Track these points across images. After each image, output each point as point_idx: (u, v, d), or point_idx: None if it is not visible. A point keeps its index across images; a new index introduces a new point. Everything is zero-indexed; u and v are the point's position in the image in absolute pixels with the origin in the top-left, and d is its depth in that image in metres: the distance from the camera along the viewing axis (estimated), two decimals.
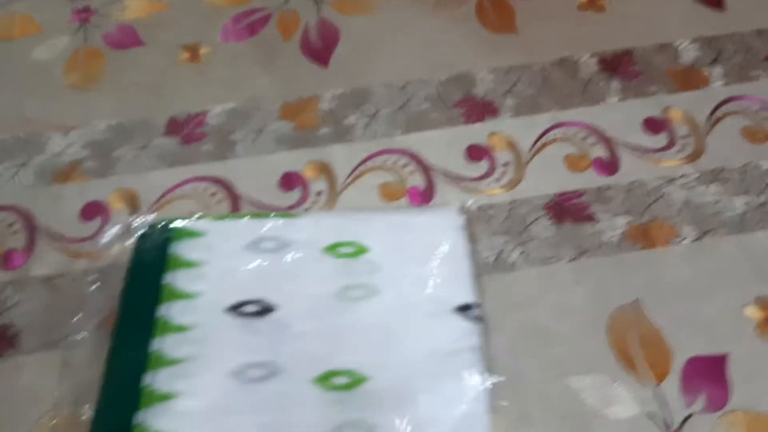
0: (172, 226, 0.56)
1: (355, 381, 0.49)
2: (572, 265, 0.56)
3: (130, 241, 0.57)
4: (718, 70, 0.67)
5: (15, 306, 0.55)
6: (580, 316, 0.54)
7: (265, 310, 0.52)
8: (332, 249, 0.55)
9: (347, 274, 0.54)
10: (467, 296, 0.52)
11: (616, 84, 0.67)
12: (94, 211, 0.60)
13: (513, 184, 0.61)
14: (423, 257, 0.54)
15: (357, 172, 0.62)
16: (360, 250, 0.55)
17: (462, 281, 0.53)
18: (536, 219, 0.59)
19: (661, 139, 0.63)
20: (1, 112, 0.66)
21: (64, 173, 0.62)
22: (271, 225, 0.56)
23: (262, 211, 0.59)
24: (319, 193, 0.61)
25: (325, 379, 0.49)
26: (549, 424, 0.49)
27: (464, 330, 0.51)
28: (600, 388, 0.50)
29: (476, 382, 0.49)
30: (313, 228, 0.56)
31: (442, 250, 0.54)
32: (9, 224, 0.59)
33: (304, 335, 0.51)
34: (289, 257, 0.55)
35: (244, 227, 0.56)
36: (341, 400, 0.48)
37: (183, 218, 0.57)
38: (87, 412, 0.49)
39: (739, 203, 0.58)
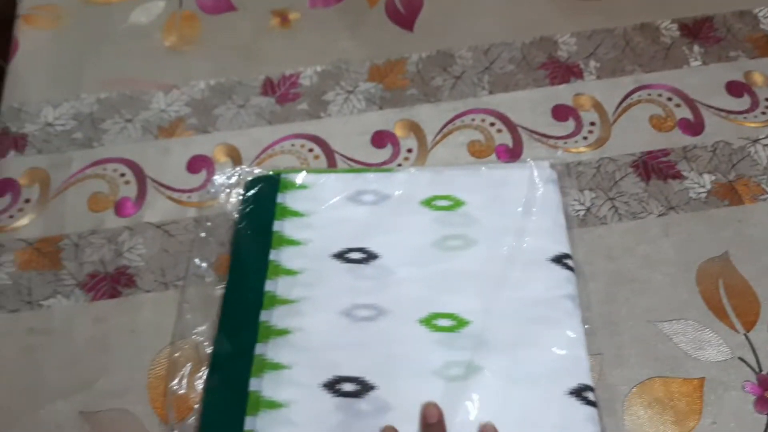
0: (277, 177, 0.59)
1: (458, 323, 0.52)
2: (661, 219, 0.58)
3: (237, 192, 0.60)
4: None
5: (132, 249, 0.58)
6: (670, 267, 0.56)
7: (369, 257, 0.55)
8: (429, 202, 0.58)
9: (445, 225, 0.56)
10: (562, 246, 0.55)
11: (697, 49, 0.68)
12: (199, 164, 0.63)
13: (600, 142, 0.63)
14: (517, 210, 0.57)
15: (445, 130, 0.65)
16: (456, 204, 0.57)
17: (556, 232, 0.55)
18: (624, 176, 0.61)
19: (744, 102, 0.64)
20: (106, 72, 0.69)
21: (169, 129, 0.65)
22: (370, 179, 0.59)
23: (359, 167, 0.62)
24: (409, 150, 0.63)
25: (429, 321, 0.52)
26: (644, 365, 0.51)
27: (560, 278, 0.53)
28: (692, 333, 0.52)
29: (574, 327, 0.51)
30: (411, 182, 0.59)
31: (536, 202, 0.57)
32: (121, 174, 0.63)
33: (407, 281, 0.54)
34: (388, 209, 0.57)
35: (345, 181, 0.59)
36: (446, 341, 0.51)
37: (287, 171, 0.60)
38: (207, 346, 0.53)
39: None
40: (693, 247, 0.56)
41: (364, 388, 0.49)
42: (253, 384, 0.49)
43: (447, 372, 0.49)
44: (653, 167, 0.61)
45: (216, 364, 0.51)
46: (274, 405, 0.48)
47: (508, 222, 0.56)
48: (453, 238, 0.55)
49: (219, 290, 0.55)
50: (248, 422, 0.48)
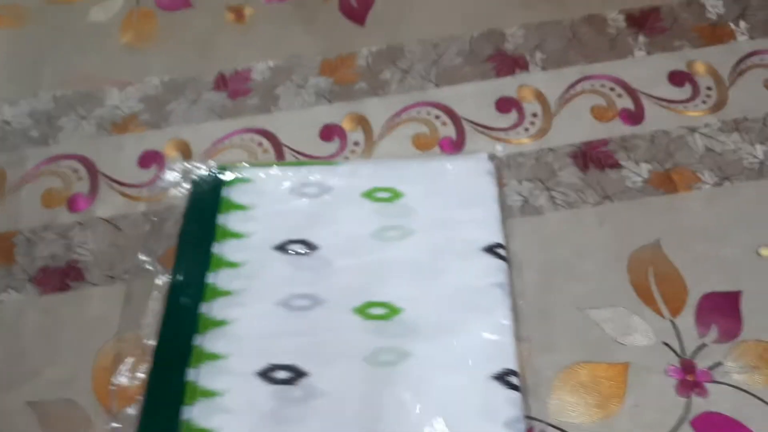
0: (223, 172, 0.60)
1: (391, 312, 0.53)
2: (597, 208, 0.59)
3: (185, 186, 0.62)
4: (743, 25, 0.68)
5: (82, 243, 0.60)
6: (603, 255, 0.57)
7: (309, 248, 0.57)
8: (369, 194, 0.59)
9: (383, 216, 0.58)
10: (495, 237, 0.56)
11: (642, 39, 0.69)
12: (150, 159, 0.65)
13: (541, 133, 0.64)
14: (454, 201, 0.58)
15: (392, 123, 0.66)
16: (395, 195, 0.59)
17: (490, 223, 0.57)
18: (563, 166, 0.62)
19: (685, 91, 0.66)
20: (63, 69, 0.71)
21: (122, 125, 0.67)
22: (313, 171, 0.61)
23: (305, 160, 0.63)
24: (356, 144, 0.65)
25: (363, 309, 0.53)
26: (571, 351, 0.53)
27: (491, 267, 0.55)
28: (620, 320, 0.54)
29: (503, 314, 0.52)
30: (352, 174, 0.61)
31: (472, 194, 0.58)
32: (74, 170, 0.64)
33: (344, 270, 0.56)
34: (329, 201, 0.59)
35: (289, 174, 0.61)
36: (378, 328, 0.52)
37: (233, 165, 0.62)
38: (150, 338, 0.54)
39: (760, 151, 0.61)
40: (626, 235, 0.58)
41: (296, 375, 0.51)
42: (191, 374, 0.51)
43: (377, 358, 0.51)
44: (592, 157, 0.62)
45: (157, 356, 0.53)
46: (209, 394, 0.50)
47: (443, 213, 0.57)
48: (391, 229, 0.57)
49: (164, 283, 0.57)
50: (185, 411, 0.50)
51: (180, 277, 0.56)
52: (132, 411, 0.52)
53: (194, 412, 0.49)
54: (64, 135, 0.67)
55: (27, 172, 0.65)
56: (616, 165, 0.62)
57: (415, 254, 0.56)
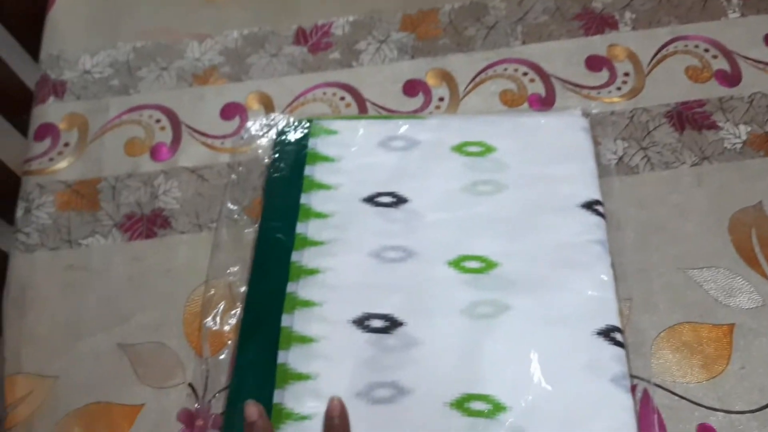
0: (309, 123, 0.59)
1: (487, 265, 0.52)
2: (694, 169, 0.58)
3: (270, 138, 0.61)
4: None
5: (167, 192, 0.60)
6: (702, 216, 0.55)
7: (398, 201, 0.56)
8: (460, 148, 0.58)
9: (475, 170, 0.57)
10: (593, 193, 0.55)
11: (736, 1, 0.67)
12: (233, 111, 0.64)
13: (634, 93, 0.62)
14: (548, 157, 0.57)
15: (477, 79, 0.64)
16: (487, 149, 0.58)
17: (587, 179, 0.55)
18: (658, 126, 0.60)
19: None
20: (143, 21, 0.70)
21: (203, 77, 0.66)
22: (400, 125, 0.59)
23: (391, 114, 0.62)
24: (441, 99, 0.64)
25: (458, 263, 0.52)
26: (673, 311, 0.51)
27: (590, 224, 0.53)
28: (722, 281, 0.52)
29: (603, 271, 0.51)
30: (441, 128, 0.59)
31: (568, 150, 0.57)
32: (156, 120, 0.64)
33: (435, 224, 0.54)
34: (418, 154, 0.58)
35: (375, 127, 0.60)
36: (475, 282, 0.51)
37: (318, 117, 0.61)
38: (240, 286, 0.54)
39: None
40: (726, 196, 0.56)
41: (392, 324, 0.50)
42: (285, 320, 0.50)
43: (475, 311, 0.50)
44: (688, 118, 0.60)
45: (249, 302, 0.52)
46: (305, 340, 0.49)
47: (538, 168, 0.56)
48: (483, 184, 0.56)
49: (251, 232, 0.56)
50: (281, 356, 0.49)
51: (269, 226, 0.55)
52: (224, 356, 0.51)
53: (290, 357, 0.49)
54: (145, 85, 0.66)
55: (109, 121, 0.64)
56: (713, 126, 0.60)
57: (509, 209, 0.54)
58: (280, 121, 0.61)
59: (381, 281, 0.52)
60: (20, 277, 0.56)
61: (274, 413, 0.47)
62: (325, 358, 0.49)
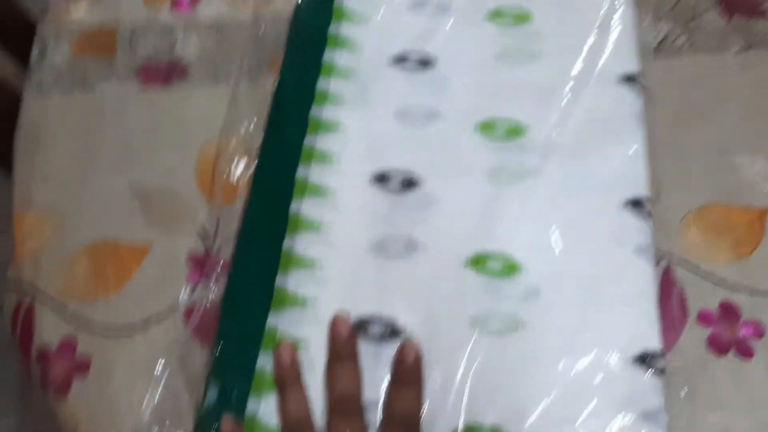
0: None
1: (516, 130, 0.50)
2: (739, 56, 0.55)
3: None
4: None
5: (185, 43, 0.57)
6: (744, 102, 0.53)
7: (426, 63, 0.53)
8: (494, 15, 0.55)
9: (509, 38, 0.54)
10: (631, 67, 0.52)
11: None
12: None
13: None
14: (588, 27, 0.54)
15: None
16: (522, 17, 0.55)
17: (628, 53, 0.53)
18: (706, 9, 0.57)
19: None
20: None
21: None
22: None
23: None
24: None
25: (486, 126, 0.50)
26: (705, 191, 0.49)
27: (626, 97, 0.51)
28: (760, 166, 0.50)
29: (636, 144, 0.49)
30: None
31: (608, 22, 0.54)
32: None
33: (464, 88, 0.52)
34: (450, 18, 0.55)
35: None
36: (502, 146, 0.49)
37: None
38: (256, 140, 0.52)
39: None
40: None
41: (411, 182, 0.48)
42: (301, 171, 0.49)
43: (499, 174, 0.48)
44: (738, 3, 0.57)
45: (264, 154, 0.51)
46: (319, 190, 0.48)
47: (576, 40, 0.53)
48: (517, 51, 0.53)
49: (269, 88, 0.54)
50: (293, 206, 0.47)
51: (289, 81, 0.53)
52: (237, 206, 0.50)
53: (303, 206, 0.47)
54: None
55: None
56: (764, 14, 0.56)
57: (542, 78, 0.52)
58: None
59: (403, 139, 0.50)
60: (33, 118, 0.55)
61: (283, 258, 0.45)
62: (340, 210, 0.47)
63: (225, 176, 0.51)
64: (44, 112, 0.55)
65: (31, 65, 0.58)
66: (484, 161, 0.48)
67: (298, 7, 0.57)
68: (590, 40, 0.53)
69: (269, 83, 0.55)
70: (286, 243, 0.46)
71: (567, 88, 0.51)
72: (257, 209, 0.48)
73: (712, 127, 0.52)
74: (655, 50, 0.55)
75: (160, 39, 0.58)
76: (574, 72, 0.52)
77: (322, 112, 0.51)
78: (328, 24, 0.55)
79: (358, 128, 0.50)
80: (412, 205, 0.47)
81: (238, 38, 0.57)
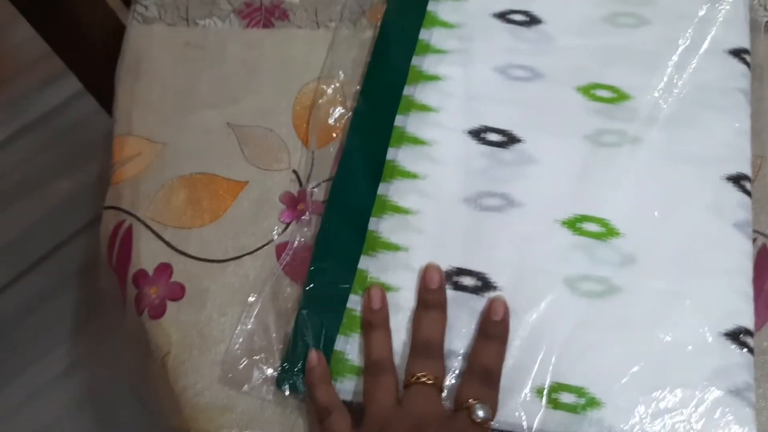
0: None
1: (619, 96, 0.49)
2: None
3: None
4: None
5: None
6: None
7: (532, 20, 0.52)
8: None
9: (618, 1, 0.53)
10: (742, 41, 0.50)
11: None
12: None
13: None
14: None
15: None
16: None
17: (738, 27, 0.51)
18: None
19: None
20: None
21: None
22: None
23: None
24: None
25: (588, 89, 0.49)
26: None
27: (735, 71, 0.50)
28: None
29: (741, 119, 0.48)
30: None
31: None
32: None
33: (569, 49, 0.51)
34: None
35: None
36: (604, 110, 0.49)
37: None
38: (353, 85, 0.52)
39: None
40: None
41: (510, 139, 0.48)
42: (399, 120, 0.49)
43: (600, 138, 0.47)
44: None
45: (364, 101, 0.51)
46: (417, 141, 0.48)
47: (687, 9, 0.52)
48: (626, 15, 0.52)
49: (370, 35, 0.54)
50: (390, 153, 0.48)
51: (390, 30, 0.53)
52: (332, 149, 0.50)
53: (399, 155, 0.47)
54: None
55: None
56: None
57: (651, 45, 0.51)
58: None
59: (503, 97, 0.50)
60: (136, 47, 0.56)
61: (377, 204, 0.46)
62: (437, 162, 0.47)
63: (322, 119, 0.51)
64: (148, 42, 0.56)
65: None
66: (585, 124, 0.48)
67: None
68: (701, 12, 0.51)
69: (370, 30, 0.55)
70: (381, 189, 0.47)
71: (674, 57, 0.50)
72: (354, 154, 0.49)
73: None
74: (765, 27, 0.53)
75: None
76: (683, 41, 0.51)
77: (423, 62, 0.51)
78: None
79: (459, 81, 0.50)
80: (510, 161, 0.47)
81: None
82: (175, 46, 0.56)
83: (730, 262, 0.43)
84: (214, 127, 0.52)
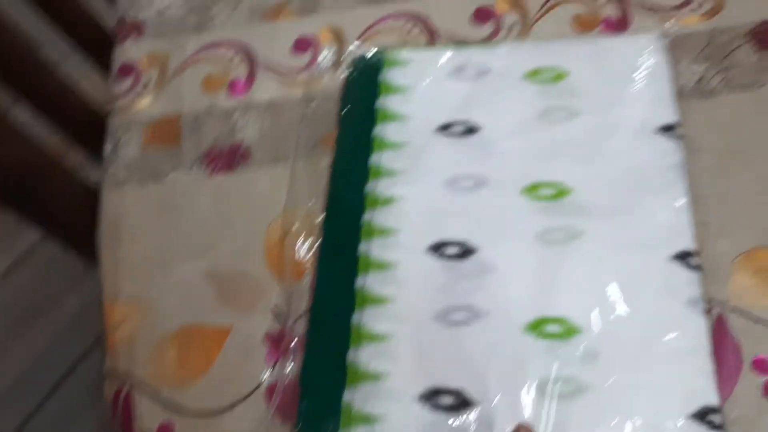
0: (379, 56, 0.60)
1: (560, 192, 0.52)
2: None
3: (342, 70, 0.61)
4: None
5: (243, 127, 0.62)
6: None
7: (469, 130, 0.56)
8: (532, 75, 0.58)
9: (548, 97, 0.56)
10: (670, 117, 0.54)
11: None
12: (305, 44, 0.65)
13: (713, 12, 0.60)
14: (623, 80, 0.56)
15: (549, 4, 0.63)
16: (559, 75, 0.57)
17: (664, 103, 0.54)
18: (738, 46, 0.58)
19: None
20: None
21: (274, 12, 0.67)
22: (471, 53, 0.59)
23: (461, 43, 0.62)
24: (511, 27, 0.63)
25: (531, 190, 0.53)
26: (752, 236, 0.51)
27: (667, 148, 0.53)
28: None
29: (679, 196, 0.50)
30: (512, 55, 0.59)
31: (643, 72, 0.55)
32: (229, 58, 0.65)
33: (509, 152, 0.55)
34: (490, 82, 0.58)
35: (446, 56, 0.60)
36: (548, 208, 0.52)
37: (389, 49, 0.61)
38: (317, 216, 0.56)
39: None
40: None
41: (467, 250, 0.51)
42: (362, 247, 0.52)
43: (548, 236, 0.50)
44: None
45: (327, 231, 0.54)
46: (381, 265, 0.51)
47: (613, 93, 0.55)
48: (556, 110, 0.55)
49: (326, 165, 0.58)
50: (359, 281, 0.51)
51: (343, 158, 0.57)
52: (305, 282, 0.54)
53: (368, 281, 0.51)
54: (219, 21, 0.67)
55: (187, 58, 0.66)
56: None
57: (583, 135, 0.54)
58: (352, 54, 0.62)
59: (454, 208, 0.53)
60: (112, 210, 0.60)
61: (353, 334, 0.49)
62: (402, 283, 0.50)
63: (290, 255, 0.55)
64: (122, 204, 0.60)
65: (106, 159, 0.63)
66: (533, 224, 0.51)
67: (345, 83, 0.60)
68: (625, 94, 0.55)
69: (325, 160, 0.58)
70: (355, 318, 0.50)
71: (606, 144, 0.53)
72: (324, 286, 0.52)
73: (753, 168, 0.53)
74: (690, 93, 0.57)
75: (220, 124, 0.62)
76: (613, 127, 0.54)
77: (377, 186, 0.55)
78: (375, 98, 0.58)
79: (413, 200, 0.53)
80: (470, 273, 0.50)
81: (292, 117, 0.61)
82: (147, 204, 0.59)
83: (688, 342, 0.46)
84: (193, 278, 0.56)
